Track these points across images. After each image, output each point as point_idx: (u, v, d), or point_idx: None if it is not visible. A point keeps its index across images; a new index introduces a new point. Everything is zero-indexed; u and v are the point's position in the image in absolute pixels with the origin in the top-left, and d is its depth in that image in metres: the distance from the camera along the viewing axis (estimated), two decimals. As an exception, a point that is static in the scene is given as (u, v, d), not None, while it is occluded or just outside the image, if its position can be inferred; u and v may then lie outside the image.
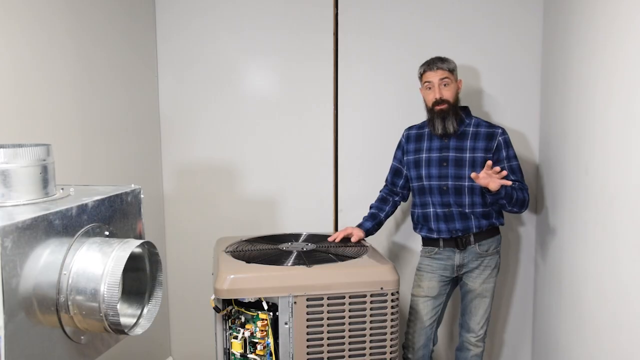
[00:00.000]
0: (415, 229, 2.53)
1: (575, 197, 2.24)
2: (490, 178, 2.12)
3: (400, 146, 2.56)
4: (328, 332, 1.92)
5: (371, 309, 1.93)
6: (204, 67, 2.90)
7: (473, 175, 2.12)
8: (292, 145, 2.93)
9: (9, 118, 1.76)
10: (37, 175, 1.17)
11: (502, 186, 2.15)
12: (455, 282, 2.51)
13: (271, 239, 2.41)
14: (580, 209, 2.18)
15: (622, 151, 1.81)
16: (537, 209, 2.82)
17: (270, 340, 1.90)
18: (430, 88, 2.37)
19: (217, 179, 2.96)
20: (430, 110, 2.39)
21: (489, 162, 2.13)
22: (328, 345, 1.92)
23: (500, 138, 2.35)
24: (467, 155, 2.35)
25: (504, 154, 2.35)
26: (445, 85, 2.34)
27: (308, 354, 1.91)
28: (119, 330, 1.16)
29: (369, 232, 2.46)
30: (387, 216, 2.54)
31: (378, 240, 2.73)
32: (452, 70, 2.37)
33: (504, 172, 2.13)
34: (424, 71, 2.39)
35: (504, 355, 3.03)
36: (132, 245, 1.18)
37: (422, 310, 2.44)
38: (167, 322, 3.07)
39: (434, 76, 2.34)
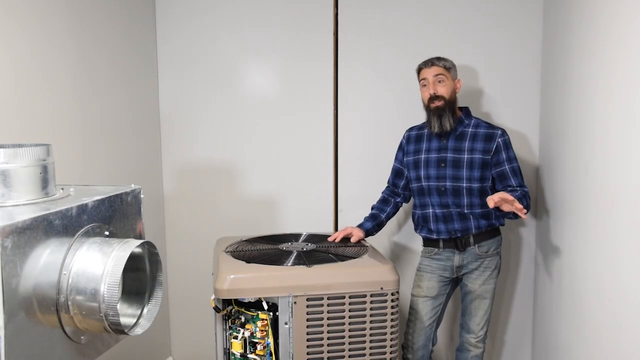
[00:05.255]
0: (415, 229, 2.53)
1: (575, 197, 2.24)
2: (504, 203, 2.11)
3: (401, 147, 2.56)
4: (328, 332, 1.92)
5: (371, 309, 1.93)
6: (204, 67, 2.90)
7: (491, 205, 2.09)
8: (292, 145, 2.93)
9: (9, 118, 1.76)
10: (37, 175, 1.17)
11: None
12: (455, 282, 2.51)
13: (271, 239, 2.41)
14: (581, 209, 2.18)
15: (622, 151, 1.81)
16: (537, 209, 2.82)
17: (270, 340, 1.90)
18: (425, 85, 2.38)
19: (217, 179, 2.96)
20: (427, 109, 2.40)
21: (505, 197, 2.09)
22: (328, 345, 1.92)
23: (499, 140, 2.34)
24: (465, 156, 2.35)
25: (504, 156, 2.34)
26: (440, 81, 2.34)
27: (308, 354, 1.91)
28: (119, 330, 1.16)
29: (369, 233, 2.46)
30: (388, 217, 2.54)
31: (379, 241, 2.73)
32: (449, 69, 2.36)
33: (518, 205, 2.09)
34: (420, 69, 2.41)
35: (504, 355, 3.03)
36: (132, 245, 1.18)
37: (421, 310, 2.44)
38: (167, 322, 3.06)
39: (429, 73, 2.35)
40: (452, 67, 2.38)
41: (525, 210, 2.11)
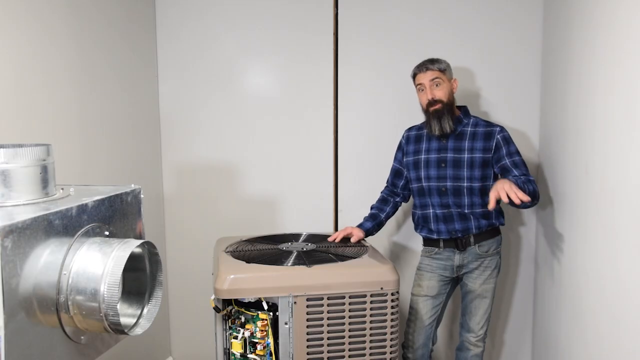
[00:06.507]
0: (416, 229, 2.53)
1: (575, 197, 2.24)
2: (504, 193, 2.06)
3: (400, 147, 2.56)
4: (328, 332, 1.92)
5: (371, 309, 1.93)
6: (204, 67, 2.90)
7: (490, 207, 2.08)
8: (292, 145, 2.93)
9: (9, 118, 1.76)
10: (37, 175, 1.17)
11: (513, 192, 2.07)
12: (455, 282, 2.51)
13: (271, 239, 2.41)
14: (581, 209, 2.18)
15: (622, 151, 1.81)
16: (537, 209, 2.82)
17: (270, 340, 1.90)
18: (422, 90, 2.36)
19: (217, 179, 2.96)
20: (426, 112, 2.39)
21: (498, 188, 2.06)
22: (328, 345, 1.92)
23: (498, 136, 2.34)
24: (466, 155, 2.35)
25: (504, 151, 2.34)
26: (437, 85, 2.33)
27: (308, 354, 1.91)
28: (119, 330, 1.16)
29: (369, 233, 2.46)
30: (388, 217, 2.54)
31: (379, 241, 2.73)
32: (444, 70, 2.34)
33: (517, 190, 2.05)
34: (415, 74, 2.39)
35: (504, 355, 3.03)
36: (132, 245, 1.18)
37: (421, 309, 2.44)
38: (167, 322, 3.06)
39: (424, 78, 2.34)
40: (447, 68, 2.36)
41: (527, 198, 2.04)
